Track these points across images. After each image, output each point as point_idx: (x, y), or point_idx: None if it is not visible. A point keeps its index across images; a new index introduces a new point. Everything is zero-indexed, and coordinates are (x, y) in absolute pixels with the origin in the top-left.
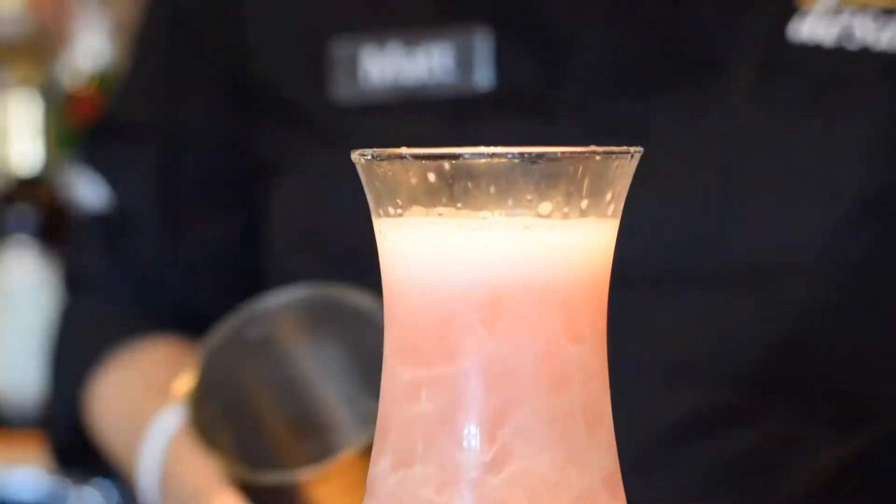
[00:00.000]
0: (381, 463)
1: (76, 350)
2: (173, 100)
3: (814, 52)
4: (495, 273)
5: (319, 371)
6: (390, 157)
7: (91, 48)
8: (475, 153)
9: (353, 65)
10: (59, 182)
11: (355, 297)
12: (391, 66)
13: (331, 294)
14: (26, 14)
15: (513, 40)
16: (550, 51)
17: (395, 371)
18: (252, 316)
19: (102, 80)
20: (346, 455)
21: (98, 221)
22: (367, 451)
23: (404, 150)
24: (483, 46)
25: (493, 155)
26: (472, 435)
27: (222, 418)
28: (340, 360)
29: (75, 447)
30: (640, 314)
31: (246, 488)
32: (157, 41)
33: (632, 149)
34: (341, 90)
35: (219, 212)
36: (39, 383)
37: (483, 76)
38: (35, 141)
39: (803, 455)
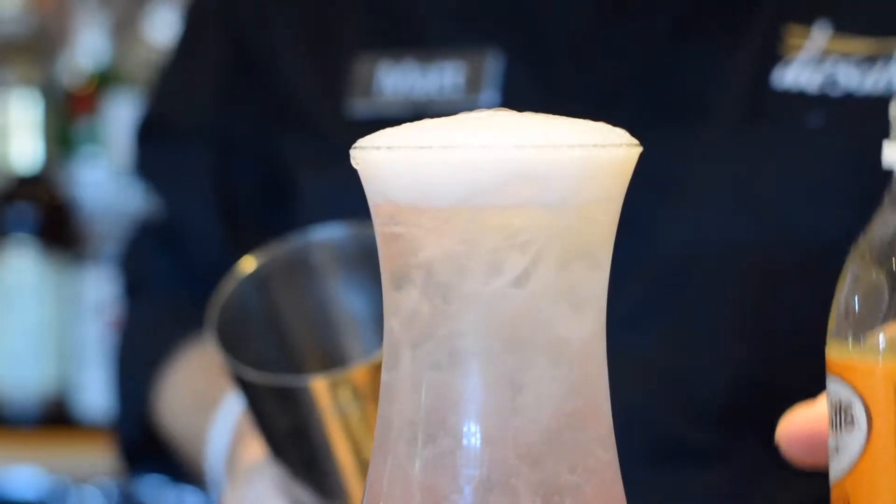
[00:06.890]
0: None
1: (142, 353)
2: (226, 107)
3: (797, 99)
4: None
5: (349, 299)
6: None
7: (91, 48)
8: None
9: (369, 80)
10: (59, 181)
11: None
12: (405, 81)
13: (367, 231)
14: (26, 14)
15: (521, 64)
16: (553, 77)
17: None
18: (293, 245)
19: (102, 79)
20: (355, 369)
21: (154, 228)
22: (374, 369)
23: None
24: (493, 67)
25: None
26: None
27: (252, 332)
28: (370, 291)
29: (143, 447)
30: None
31: (256, 390)
32: (209, 48)
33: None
34: (357, 104)
35: (272, 218)
36: (39, 383)
37: (489, 96)
38: (35, 140)
39: (770, 493)
